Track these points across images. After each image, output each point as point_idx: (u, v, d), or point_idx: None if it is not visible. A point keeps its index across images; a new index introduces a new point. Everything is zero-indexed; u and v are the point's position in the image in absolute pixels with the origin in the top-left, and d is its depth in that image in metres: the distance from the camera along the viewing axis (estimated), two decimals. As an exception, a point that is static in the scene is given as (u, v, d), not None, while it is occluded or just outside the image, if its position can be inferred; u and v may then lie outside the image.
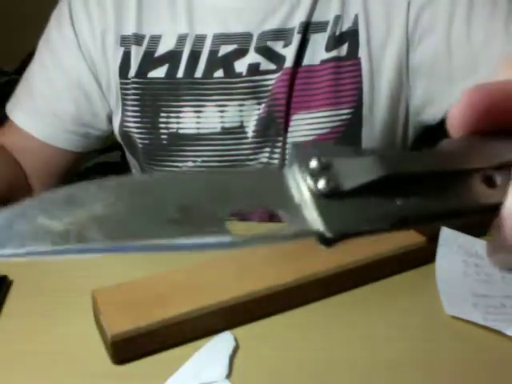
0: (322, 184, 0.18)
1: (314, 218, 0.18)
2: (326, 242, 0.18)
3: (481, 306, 0.48)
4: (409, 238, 0.54)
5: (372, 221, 0.18)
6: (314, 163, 0.18)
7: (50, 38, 0.73)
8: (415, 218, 0.19)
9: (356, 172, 0.18)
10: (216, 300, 0.46)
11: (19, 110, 0.74)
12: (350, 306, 0.50)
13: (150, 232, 0.17)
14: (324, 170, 0.18)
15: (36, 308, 0.50)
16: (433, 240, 0.54)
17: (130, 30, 0.67)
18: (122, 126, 0.70)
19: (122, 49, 0.68)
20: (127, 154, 0.76)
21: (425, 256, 0.54)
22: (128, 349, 0.43)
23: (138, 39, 0.67)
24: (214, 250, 0.17)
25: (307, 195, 0.18)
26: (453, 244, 0.55)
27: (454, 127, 0.20)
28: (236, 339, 0.45)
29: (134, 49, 0.67)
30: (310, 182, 0.18)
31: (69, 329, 0.47)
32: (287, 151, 0.17)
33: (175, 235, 0.17)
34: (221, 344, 0.45)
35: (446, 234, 0.55)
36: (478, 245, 0.56)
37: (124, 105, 0.69)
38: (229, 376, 0.42)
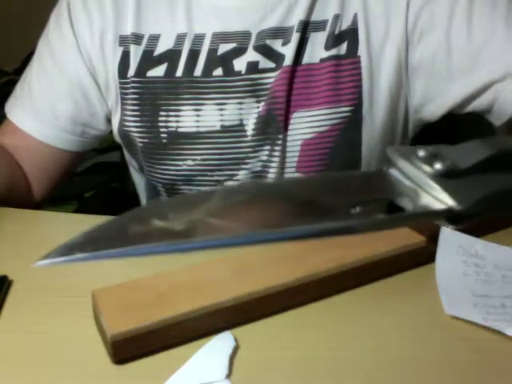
0: (438, 165, 0.19)
1: (437, 197, 0.18)
2: (455, 218, 0.18)
3: (481, 306, 0.48)
4: (409, 238, 0.54)
5: (494, 195, 0.19)
6: (422, 152, 0.20)
7: (50, 38, 0.73)
8: None
9: (468, 154, 0.19)
10: (216, 300, 0.46)
11: (17, 110, 0.74)
12: (350, 305, 0.50)
13: (284, 222, 0.18)
14: (435, 156, 0.19)
15: (36, 308, 0.50)
16: (433, 240, 0.54)
17: (128, 29, 0.68)
18: (121, 125, 0.70)
19: (121, 48, 0.68)
20: (126, 154, 0.76)
21: (425, 256, 0.54)
22: (128, 349, 0.43)
23: (136, 39, 0.67)
24: (341, 235, 0.18)
25: (425, 179, 0.19)
26: (453, 244, 0.55)
27: None
28: (236, 339, 0.45)
29: (132, 48, 0.67)
30: (424, 166, 0.19)
31: (69, 329, 0.47)
32: (390, 152, 0.17)
33: (310, 223, 0.18)
34: (221, 344, 0.45)
35: (446, 234, 0.55)
36: (478, 245, 0.56)
37: (123, 104, 0.69)
38: (229, 376, 0.42)
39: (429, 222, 0.19)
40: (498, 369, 0.43)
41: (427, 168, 0.19)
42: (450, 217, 0.18)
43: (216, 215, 0.17)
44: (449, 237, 0.55)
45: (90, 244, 0.18)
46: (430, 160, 0.19)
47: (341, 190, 0.19)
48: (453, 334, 0.47)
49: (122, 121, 0.70)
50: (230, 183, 0.67)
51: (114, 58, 0.69)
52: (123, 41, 0.68)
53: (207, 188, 0.68)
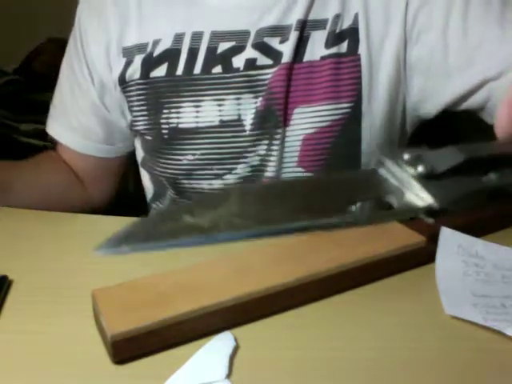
0: (420, 168, 0.22)
1: (419, 196, 0.22)
2: (434, 213, 0.22)
3: (481, 306, 0.48)
4: (409, 238, 0.54)
5: (468, 194, 0.22)
6: (407, 156, 0.23)
7: (68, 55, 0.78)
8: (497, 192, 0.23)
9: (445, 158, 0.23)
10: (216, 300, 0.46)
11: (55, 125, 0.80)
12: (350, 305, 0.50)
13: (287, 218, 0.21)
14: (417, 159, 0.23)
15: (36, 308, 0.50)
16: (433, 240, 0.54)
17: (132, 41, 0.69)
18: (131, 125, 0.72)
19: (124, 59, 0.70)
20: (137, 149, 0.78)
21: (425, 256, 0.54)
22: (128, 349, 0.43)
23: (141, 48, 0.69)
24: (339, 229, 0.21)
25: (408, 179, 0.22)
26: (453, 244, 0.55)
27: (502, 127, 0.25)
28: (236, 339, 0.45)
29: (137, 57, 0.69)
30: (408, 168, 0.22)
31: (69, 329, 0.47)
32: (380, 154, 0.21)
33: (308, 219, 0.21)
34: (221, 344, 0.45)
35: (446, 234, 0.55)
36: (478, 245, 0.56)
37: (130, 107, 0.71)
38: (229, 376, 0.42)
39: (412, 216, 0.21)
40: (498, 368, 0.43)
41: (411, 170, 0.22)
42: (430, 212, 0.22)
43: (234, 214, 0.21)
44: (449, 237, 0.55)
45: (132, 238, 0.21)
46: (413, 162, 0.22)
47: (340, 189, 0.23)
48: (453, 334, 0.47)
49: (132, 121, 0.72)
50: (229, 177, 0.68)
51: (116, 69, 0.70)
52: (127, 52, 0.70)
53: (207, 182, 0.69)
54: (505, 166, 0.23)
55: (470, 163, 0.22)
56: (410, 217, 0.22)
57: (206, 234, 0.20)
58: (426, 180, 0.22)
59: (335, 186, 0.23)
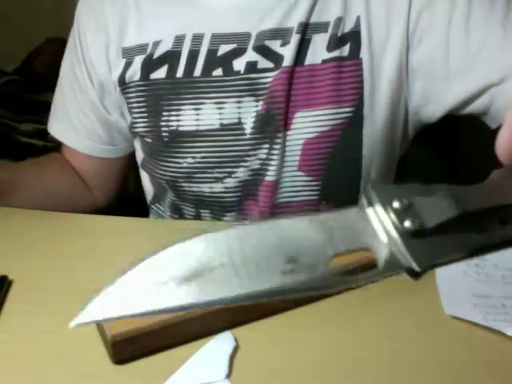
0: (408, 223, 0.21)
1: (403, 255, 0.21)
2: (415, 274, 0.22)
3: (481, 306, 0.48)
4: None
5: (453, 253, 0.21)
6: (396, 204, 0.21)
7: (67, 56, 0.78)
8: (487, 247, 0.22)
9: (435, 211, 0.21)
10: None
11: (56, 125, 0.80)
12: (351, 305, 0.50)
13: (271, 283, 0.20)
14: (406, 209, 0.21)
15: (36, 308, 0.50)
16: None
17: (132, 41, 0.69)
18: (131, 127, 0.72)
19: (124, 60, 0.70)
20: (137, 150, 0.78)
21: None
22: (128, 349, 0.43)
23: (141, 49, 0.69)
24: (319, 292, 0.20)
25: (394, 234, 0.21)
26: (453, 244, 0.55)
27: (503, 155, 0.23)
28: (236, 339, 0.45)
29: (137, 58, 0.69)
30: (396, 221, 0.21)
31: (69, 329, 0.47)
32: (370, 191, 0.19)
33: (291, 282, 0.20)
34: (221, 344, 0.45)
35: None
36: (478, 245, 0.56)
37: (130, 108, 0.71)
38: (229, 376, 0.42)
39: (394, 274, 0.22)
40: (498, 369, 0.43)
41: (398, 223, 0.21)
42: (411, 273, 0.22)
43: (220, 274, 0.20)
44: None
45: (111, 305, 0.21)
46: (401, 214, 0.21)
47: (321, 239, 0.21)
48: (453, 334, 0.47)
49: (131, 123, 0.71)
50: (229, 180, 0.68)
51: (116, 70, 0.70)
52: (127, 53, 0.70)
53: (208, 185, 0.69)
54: (492, 219, 0.22)
55: (460, 217, 0.21)
56: (392, 275, 0.21)
57: (188, 302, 0.19)
58: (412, 238, 0.21)
59: (321, 232, 0.22)
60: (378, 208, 0.22)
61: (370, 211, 0.22)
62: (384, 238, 0.21)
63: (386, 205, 0.21)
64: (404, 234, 0.21)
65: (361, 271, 0.21)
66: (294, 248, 0.21)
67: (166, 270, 0.20)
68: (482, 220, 0.22)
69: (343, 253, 0.21)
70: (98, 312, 0.21)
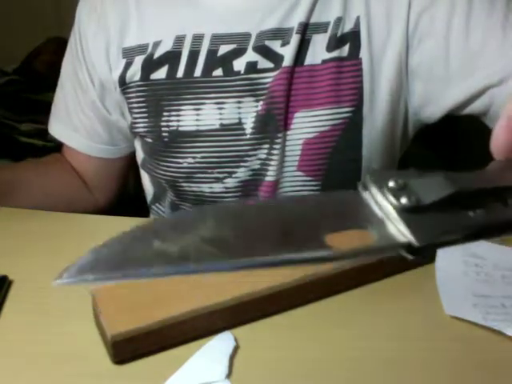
0: (404, 200, 0.21)
1: (400, 231, 0.20)
2: (414, 251, 0.20)
3: (481, 306, 0.49)
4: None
5: (452, 231, 0.21)
6: (392, 183, 0.21)
7: (68, 55, 0.77)
8: (485, 229, 0.21)
9: (431, 189, 0.21)
10: (216, 300, 0.46)
11: (56, 125, 0.80)
12: (350, 305, 0.50)
13: (260, 251, 0.20)
14: (402, 189, 0.21)
15: (36, 308, 0.50)
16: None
17: (132, 42, 0.69)
18: (131, 127, 0.72)
19: (124, 60, 0.70)
20: (137, 150, 0.78)
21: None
22: (128, 349, 0.43)
23: (142, 49, 0.69)
24: (315, 264, 0.20)
25: (390, 211, 0.21)
26: (453, 244, 0.55)
27: (498, 149, 0.23)
28: (236, 339, 0.45)
29: (137, 58, 0.69)
30: (392, 199, 0.21)
31: (69, 329, 0.47)
32: (366, 176, 0.19)
33: (282, 252, 0.20)
34: (221, 344, 0.45)
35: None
36: (478, 245, 0.56)
37: (130, 108, 0.71)
38: (229, 376, 0.42)
39: (392, 253, 0.21)
40: (498, 369, 0.43)
41: (394, 201, 0.21)
42: (410, 249, 0.20)
43: (206, 241, 0.19)
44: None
45: (98, 266, 0.19)
46: (397, 193, 0.21)
47: (317, 217, 0.21)
48: (453, 334, 0.47)
49: (132, 123, 0.71)
50: (229, 180, 0.68)
51: (116, 70, 0.71)
52: (127, 53, 0.70)
53: (208, 185, 0.69)
54: (493, 201, 0.22)
55: (457, 196, 0.21)
56: (389, 253, 0.21)
57: (174, 265, 0.19)
58: (409, 214, 0.21)
59: (316, 211, 0.22)
60: (374, 189, 0.22)
61: (366, 193, 0.22)
62: (381, 216, 0.21)
63: (382, 185, 0.21)
64: (401, 210, 0.21)
65: (356, 248, 0.20)
66: (288, 224, 0.21)
67: (158, 238, 0.20)
68: (483, 201, 0.21)
69: (337, 231, 0.20)
70: (87, 271, 0.20)
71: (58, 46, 1.58)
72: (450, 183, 0.21)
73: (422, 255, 0.20)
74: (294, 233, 0.20)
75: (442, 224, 0.21)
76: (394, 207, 0.21)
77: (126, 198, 0.92)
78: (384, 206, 0.21)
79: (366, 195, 0.22)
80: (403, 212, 0.21)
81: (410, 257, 0.20)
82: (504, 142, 0.23)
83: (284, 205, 0.22)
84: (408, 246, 0.20)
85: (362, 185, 0.22)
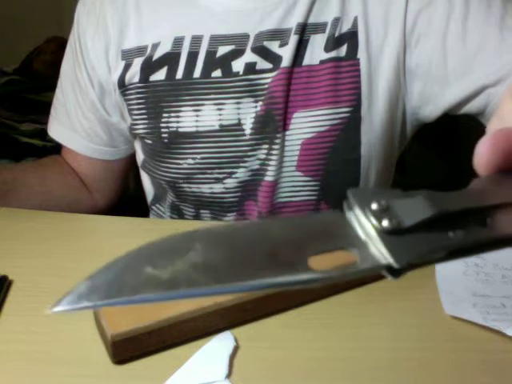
0: (385, 223, 0.21)
1: (382, 253, 0.21)
2: (394, 273, 0.21)
3: (481, 305, 0.49)
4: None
5: (431, 252, 0.21)
6: (374, 205, 0.22)
7: (68, 57, 0.78)
8: (465, 249, 0.22)
9: (413, 211, 0.22)
10: (216, 300, 0.46)
11: (56, 127, 0.80)
12: (350, 305, 0.50)
13: (246, 276, 0.20)
14: (384, 211, 0.22)
15: (36, 308, 0.50)
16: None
17: (131, 43, 0.69)
18: (131, 129, 0.72)
19: (123, 62, 0.70)
20: (137, 151, 0.78)
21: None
22: (128, 349, 0.43)
23: (140, 51, 0.69)
24: (300, 287, 0.20)
25: (373, 233, 0.21)
26: (453, 244, 0.55)
27: (481, 166, 0.23)
28: (236, 339, 0.45)
29: (136, 60, 0.69)
30: (374, 221, 0.21)
31: (69, 329, 0.47)
32: (349, 194, 0.20)
33: (268, 276, 0.20)
34: (221, 344, 0.45)
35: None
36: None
37: (130, 110, 0.71)
38: (229, 376, 0.42)
39: (374, 274, 0.21)
40: (498, 369, 0.43)
41: (376, 223, 0.21)
42: (390, 271, 0.21)
43: (196, 267, 0.20)
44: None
45: (94, 293, 0.21)
46: (380, 215, 0.22)
47: (302, 239, 0.22)
48: (453, 334, 0.47)
49: (131, 125, 0.72)
50: (229, 181, 0.68)
51: (116, 72, 0.71)
52: (126, 55, 0.70)
53: (208, 185, 0.69)
54: (473, 221, 0.22)
55: (438, 217, 0.22)
56: (372, 274, 0.21)
57: (166, 291, 0.20)
58: (390, 236, 0.21)
59: (302, 232, 0.22)
60: (357, 210, 0.22)
61: (348, 214, 0.22)
62: (364, 238, 0.22)
63: (365, 207, 0.22)
64: (382, 233, 0.21)
65: (339, 269, 0.21)
66: (274, 246, 0.21)
67: (147, 262, 0.21)
68: (463, 221, 0.22)
69: (321, 253, 0.21)
70: (84, 298, 0.21)
71: (57, 46, 1.58)
72: (431, 204, 0.22)
73: (402, 275, 0.21)
74: (278, 256, 0.21)
75: (422, 245, 0.21)
76: (376, 229, 0.21)
77: (126, 198, 0.92)
78: (367, 227, 0.22)
79: (350, 215, 0.22)
80: (385, 234, 0.21)
81: (391, 277, 0.21)
82: (487, 159, 0.23)
83: (270, 226, 0.23)
84: (388, 268, 0.21)
85: (347, 204, 0.23)
